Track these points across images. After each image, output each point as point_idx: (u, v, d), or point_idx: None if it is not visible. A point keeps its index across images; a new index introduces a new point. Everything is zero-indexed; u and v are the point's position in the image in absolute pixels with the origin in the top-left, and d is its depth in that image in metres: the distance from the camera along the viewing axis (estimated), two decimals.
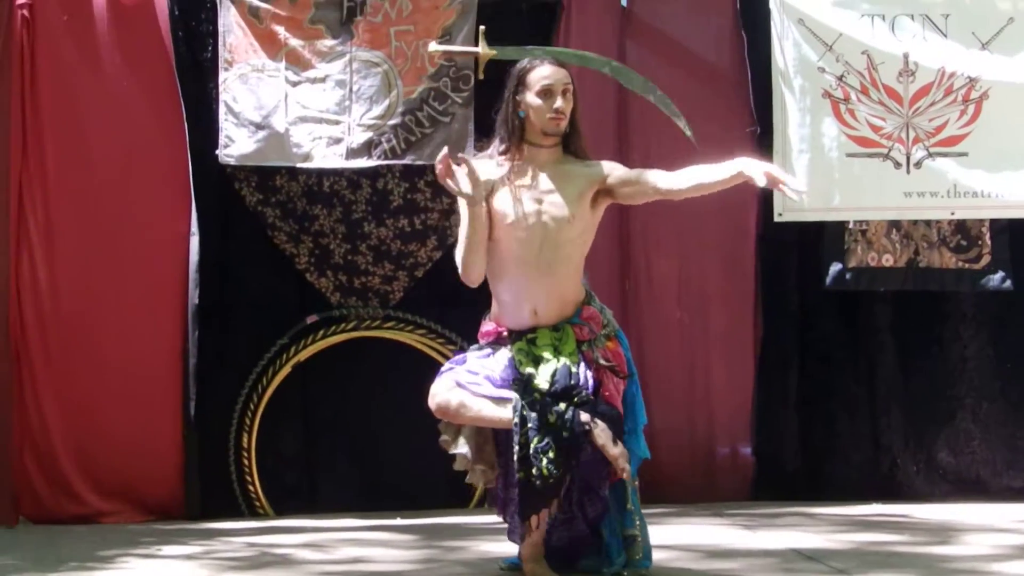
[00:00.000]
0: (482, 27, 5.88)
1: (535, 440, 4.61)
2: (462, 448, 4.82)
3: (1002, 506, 6.70)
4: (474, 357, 4.91)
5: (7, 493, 6.52)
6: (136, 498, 6.66)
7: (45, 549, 5.84)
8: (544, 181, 4.86)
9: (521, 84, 4.88)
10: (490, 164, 4.91)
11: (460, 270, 4.87)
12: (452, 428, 4.85)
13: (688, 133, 6.16)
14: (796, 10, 6.78)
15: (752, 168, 4.72)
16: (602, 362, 4.79)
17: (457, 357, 5.02)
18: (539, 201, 4.84)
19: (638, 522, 4.92)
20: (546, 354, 4.74)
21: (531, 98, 4.85)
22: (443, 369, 4.90)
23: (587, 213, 4.89)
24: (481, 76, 5.89)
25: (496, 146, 4.96)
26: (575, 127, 4.94)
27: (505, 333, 4.88)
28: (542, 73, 4.86)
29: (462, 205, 4.83)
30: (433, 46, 6.13)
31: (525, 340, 4.80)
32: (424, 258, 6.85)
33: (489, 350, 4.91)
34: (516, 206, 4.84)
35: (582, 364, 4.75)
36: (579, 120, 4.96)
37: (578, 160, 4.94)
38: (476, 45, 5.90)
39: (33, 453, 6.62)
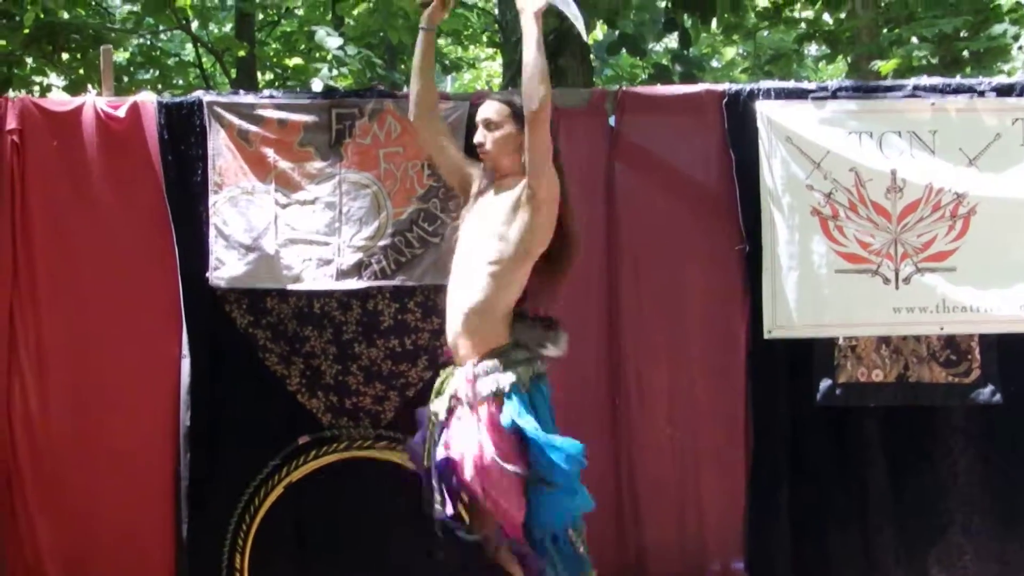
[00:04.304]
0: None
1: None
2: None
3: None
4: None
5: None
6: None
7: None
8: (489, 201, 5.64)
9: None
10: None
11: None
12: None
13: (584, 36, 6.35)
14: (783, 128, 6.79)
15: None
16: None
17: None
18: (480, 217, 5.63)
19: None
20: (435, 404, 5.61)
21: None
22: None
23: (514, 235, 5.46)
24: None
25: None
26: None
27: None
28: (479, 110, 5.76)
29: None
30: None
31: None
32: (415, 378, 6.83)
33: None
34: (467, 219, 5.72)
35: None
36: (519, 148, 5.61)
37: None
38: None
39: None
